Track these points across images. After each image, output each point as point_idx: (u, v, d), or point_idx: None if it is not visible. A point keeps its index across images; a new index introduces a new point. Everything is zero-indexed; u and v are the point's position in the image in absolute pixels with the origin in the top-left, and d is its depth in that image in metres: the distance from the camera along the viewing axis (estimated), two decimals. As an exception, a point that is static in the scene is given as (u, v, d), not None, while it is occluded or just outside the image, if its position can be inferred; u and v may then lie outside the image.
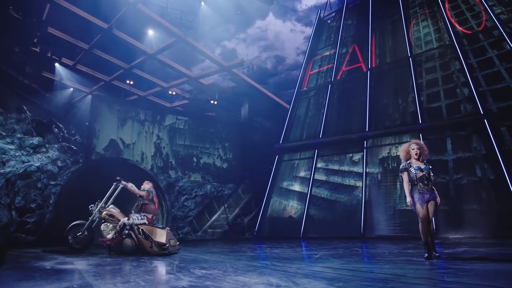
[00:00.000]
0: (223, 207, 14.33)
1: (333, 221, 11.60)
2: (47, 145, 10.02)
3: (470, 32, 11.84)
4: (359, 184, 11.57)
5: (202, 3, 15.60)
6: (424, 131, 10.83)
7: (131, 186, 6.73)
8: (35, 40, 11.17)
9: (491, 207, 8.83)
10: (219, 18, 17.48)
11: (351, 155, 12.40)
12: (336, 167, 12.62)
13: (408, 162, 4.66)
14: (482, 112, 9.84)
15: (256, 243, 9.89)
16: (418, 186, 4.50)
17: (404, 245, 7.03)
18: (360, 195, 11.26)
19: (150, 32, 12.16)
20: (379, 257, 5.11)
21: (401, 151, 4.84)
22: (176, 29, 11.71)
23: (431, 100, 11.46)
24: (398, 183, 10.61)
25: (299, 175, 13.63)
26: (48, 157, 9.65)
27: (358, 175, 11.76)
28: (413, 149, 4.65)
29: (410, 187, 4.59)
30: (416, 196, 4.48)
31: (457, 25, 12.27)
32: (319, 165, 13.08)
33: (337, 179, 12.32)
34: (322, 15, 18.80)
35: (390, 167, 11.12)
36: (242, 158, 16.64)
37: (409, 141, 4.81)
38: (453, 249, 5.70)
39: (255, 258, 5.63)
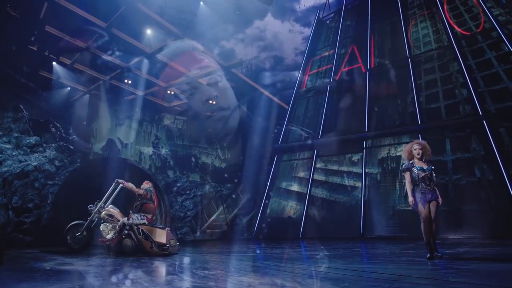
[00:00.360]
0: (221, 207, 14.27)
1: (332, 221, 11.60)
2: (45, 145, 9.92)
3: (468, 33, 11.90)
4: (358, 184, 11.58)
5: (201, 2, 15.51)
6: (423, 131, 10.85)
7: (129, 184, 6.67)
8: (32, 39, 11.04)
9: (490, 207, 8.86)
10: (218, 18, 17.42)
11: (350, 155, 12.41)
12: (335, 167, 12.62)
13: (411, 162, 4.65)
14: (481, 113, 9.89)
15: (256, 243, 9.86)
16: (420, 186, 4.49)
17: (404, 245, 7.03)
18: (360, 195, 11.26)
19: (149, 32, 12.07)
20: (381, 258, 5.10)
21: (403, 151, 4.83)
22: (174, 28, 11.65)
23: (430, 100, 11.50)
24: (397, 184, 10.63)
25: (298, 176, 13.62)
26: (46, 156, 9.56)
27: (358, 176, 11.76)
28: (415, 149, 4.63)
29: (412, 187, 4.58)
30: (418, 196, 4.47)
31: (455, 27, 12.33)
32: (318, 165, 13.07)
33: (336, 179, 12.32)
34: (321, 15, 18.84)
35: (390, 168, 11.13)
36: (241, 158, 16.59)
37: (412, 141, 4.79)
38: (454, 249, 5.71)
39: (256, 258, 5.61)
